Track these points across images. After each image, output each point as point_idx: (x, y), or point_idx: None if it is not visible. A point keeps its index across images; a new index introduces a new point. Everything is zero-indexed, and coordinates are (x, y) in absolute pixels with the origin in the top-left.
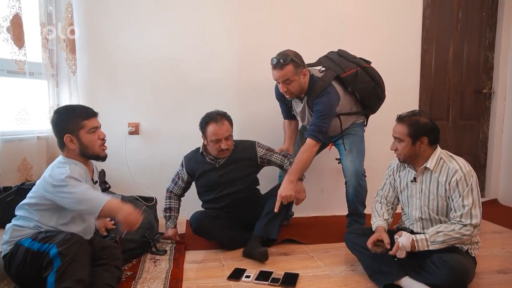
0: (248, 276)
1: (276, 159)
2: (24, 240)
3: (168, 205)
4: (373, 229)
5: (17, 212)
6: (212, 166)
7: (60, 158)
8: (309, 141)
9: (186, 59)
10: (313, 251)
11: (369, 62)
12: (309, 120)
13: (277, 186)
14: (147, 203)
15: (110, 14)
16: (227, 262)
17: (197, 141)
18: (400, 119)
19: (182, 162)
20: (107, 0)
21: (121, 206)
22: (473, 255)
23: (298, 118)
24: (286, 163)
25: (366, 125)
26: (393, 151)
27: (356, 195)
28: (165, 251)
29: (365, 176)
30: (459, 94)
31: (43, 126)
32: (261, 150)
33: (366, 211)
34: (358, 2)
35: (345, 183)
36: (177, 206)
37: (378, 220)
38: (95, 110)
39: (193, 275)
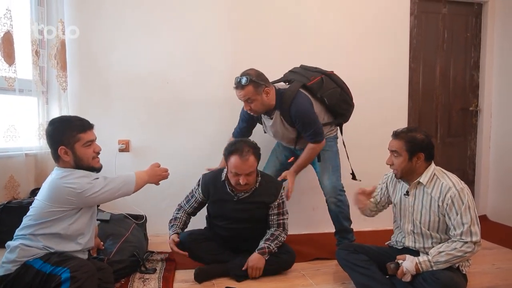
0: None
1: (271, 221)
2: (33, 261)
3: (174, 216)
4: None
5: (22, 231)
6: (230, 198)
7: (60, 170)
8: (311, 145)
9: (177, 76)
10: (304, 269)
11: (331, 72)
12: (284, 133)
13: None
14: (137, 221)
15: (101, 31)
16: (217, 281)
17: (188, 159)
18: (396, 135)
19: (199, 181)
20: (99, 17)
21: (146, 173)
22: (464, 272)
23: (270, 134)
24: (266, 235)
25: (339, 137)
26: (389, 165)
27: (339, 211)
28: (155, 270)
29: (344, 191)
30: (446, 111)
31: (32, 143)
32: (280, 199)
33: (352, 226)
34: (348, 22)
35: (326, 201)
36: (183, 218)
37: None
38: None
39: None
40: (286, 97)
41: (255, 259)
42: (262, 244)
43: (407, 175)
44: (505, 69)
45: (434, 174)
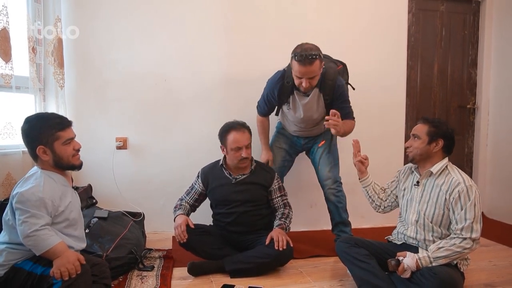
0: None
1: (277, 203)
2: (22, 263)
3: (178, 203)
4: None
5: (7, 235)
6: (228, 181)
7: (37, 171)
8: (352, 122)
9: (174, 75)
10: (302, 266)
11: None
12: (313, 113)
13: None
14: (135, 218)
15: (98, 30)
16: (215, 279)
17: (184, 157)
18: (425, 119)
19: (198, 174)
20: (96, 16)
21: (64, 254)
22: (462, 270)
23: (295, 114)
24: (278, 216)
25: None
26: (406, 148)
27: (339, 201)
28: (153, 267)
29: (342, 184)
30: (444, 109)
31: None
32: (276, 184)
33: (351, 224)
34: (345, 20)
35: (325, 193)
36: (188, 206)
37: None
38: (83, 124)
39: None
40: (330, 75)
41: (277, 231)
42: (278, 221)
43: (421, 159)
44: (503, 67)
45: (446, 167)
